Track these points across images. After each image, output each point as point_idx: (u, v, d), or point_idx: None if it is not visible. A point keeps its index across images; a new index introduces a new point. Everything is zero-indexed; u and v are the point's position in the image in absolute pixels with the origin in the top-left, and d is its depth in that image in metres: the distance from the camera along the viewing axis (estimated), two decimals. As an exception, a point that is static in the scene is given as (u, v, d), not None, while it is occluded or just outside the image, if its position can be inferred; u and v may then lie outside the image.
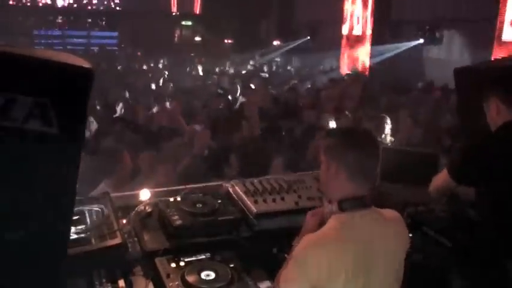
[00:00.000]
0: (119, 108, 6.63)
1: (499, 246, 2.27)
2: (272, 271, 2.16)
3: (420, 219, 2.65)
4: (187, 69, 13.20)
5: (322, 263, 1.67)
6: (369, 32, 12.36)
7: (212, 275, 1.97)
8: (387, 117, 5.75)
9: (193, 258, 2.10)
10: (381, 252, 1.76)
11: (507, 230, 2.27)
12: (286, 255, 2.22)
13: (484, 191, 2.40)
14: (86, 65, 1.29)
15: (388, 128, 5.63)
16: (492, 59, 4.19)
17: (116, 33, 20.16)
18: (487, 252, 2.33)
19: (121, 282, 1.90)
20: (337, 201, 1.79)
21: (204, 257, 2.14)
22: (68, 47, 18.87)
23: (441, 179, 2.54)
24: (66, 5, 19.46)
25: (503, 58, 3.03)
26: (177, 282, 1.90)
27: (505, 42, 7.84)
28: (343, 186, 1.78)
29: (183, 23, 20.74)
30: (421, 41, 10.61)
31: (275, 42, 15.83)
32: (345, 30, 13.27)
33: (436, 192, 2.65)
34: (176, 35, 21.32)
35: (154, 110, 6.60)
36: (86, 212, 2.22)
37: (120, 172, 3.81)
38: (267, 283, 2.09)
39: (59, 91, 1.24)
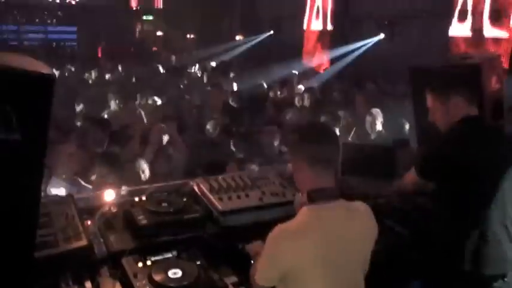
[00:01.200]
0: (79, 108, 6.52)
1: (451, 235, 2.40)
2: (238, 266, 2.23)
3: (379, 211, 2.75)
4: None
5: (290, 253, 1.79)
6: (329, 27, 12.54)
7: (179, 273, 2.00)
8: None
9: (160, 257, 2.13)
10: (347, 242, 1.87)
11: (460, 221, 2.40)
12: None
13: (441, 185, 2.52)
14: (47, 70, 1.30)
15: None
16: (447, 58, 4.36)
17: (74, 28, 19.66)
18: (440, 240, 2.46)
19: (88, 284, 1.91)
20: (306, 192, 1.91)
21: (170, 255, 2.17)
22: (25, 42, 18.31)
23: (410, 175, 2.66)
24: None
25: (456, 57, 3.14)
26: (144, 282, 1.93)
27: (454, 38, 8.17)
28: (309, 178, 1.91)
29: (144, 17, 20.46)
30: (382, 36, 10.79)
31: (238, 37, 15.83)
32: (306, 25, 13.41)
33: (410, 187, 2.74)
34: (137, 30, 20.99)
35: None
36: (50, 215, 2.21)
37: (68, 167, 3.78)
38: (233, 278, 2.15)
39: (20, 97, 1.24)
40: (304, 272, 1.79)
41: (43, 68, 1.35)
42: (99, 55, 16.76)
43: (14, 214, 1.32)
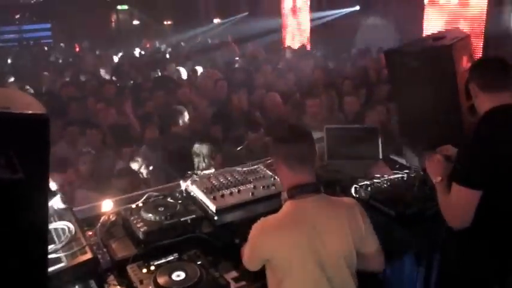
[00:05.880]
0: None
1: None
2: (237, 261, 2.36)
3: (367, 193, 2.89)
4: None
5: (269, 244, 1.98)
6: (307, 1, 12.53)
7: (182, 275, 2.11)
8: None
9: (163, 261, 2.23)
10: (327, 235, 1.99)
11: None
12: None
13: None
14: (41, 110, 1.38)
15: None
16: (422, 37, 4.41)
17: (48, 25, 19.35)
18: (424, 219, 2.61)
19: (97, 295, 2.02)
20: (286, 189, 2.06)
21: (172, 257, 2.27)
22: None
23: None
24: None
25: (432, 35, 3.19)
26: (150, 287, 2.05)
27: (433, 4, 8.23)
28: (288, 176, 2.06)
29: (119, 7, 20.13)
30: (357, 8, 10.82)
31: (215, 21, 15.75)
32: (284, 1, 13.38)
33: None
34: (113, 21, 20.69)
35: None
36: (52, 231, 2.29)
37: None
38: (234, 273, 2.28)
39: (19, 140, 1.33)
40: (284, 262, 1.97)
41: (36, 106, 1.44)
42: (77, 50, 16.55)
43: (26, 243, 1.42)
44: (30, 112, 1.35)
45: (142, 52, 13.04)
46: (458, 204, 2.25)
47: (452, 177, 2.27)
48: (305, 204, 2.01)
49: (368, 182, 3.00)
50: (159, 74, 9.31)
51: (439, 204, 2.37)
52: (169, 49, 13.33)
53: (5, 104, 1.36)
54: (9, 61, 12.68)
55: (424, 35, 6.91)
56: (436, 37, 3.00)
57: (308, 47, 12.05)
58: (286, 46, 12.46)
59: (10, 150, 1.32)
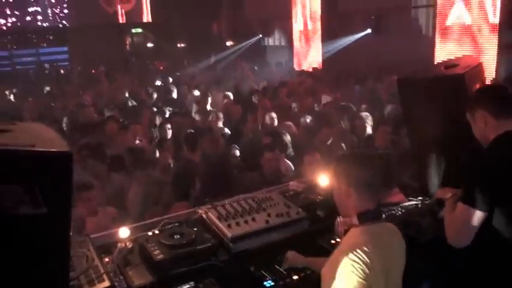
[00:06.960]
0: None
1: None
2: (251, 288, 2.37)
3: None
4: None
5: (365, 263, 1.89)
6: (318, 25, 12.67)
7: (198, 304, 2.14)
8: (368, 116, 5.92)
9: (179, 289, 2.26)
10: (393, 259, 2.05)
11: None
12: (263, 271, 2.45)
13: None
14: (64, 147, 1.44)
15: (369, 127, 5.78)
16: (434, 64, 4.41)
17: (65, 48, 19.80)
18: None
19: (114, 323, 2.04)
20: (355, 215, 2.06)
21: (188, 286, 2.30)
22: (17, 67, 18.53)
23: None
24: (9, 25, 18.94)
25: (444, 63, 3.20)
26: (166, 316, 2.07)
27: (445, 28, 8.27)
28: (356, 202, 2.07)
29: (133, 30, 20.56)
30: (369, 31, 10.97)
31: (228, 43, 15.98)
32: (295, 25, 13.55)
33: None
34: (128, 43, 21.10)
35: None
36: (72, 259, 2.32)
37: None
38: (249, 302, 2.29)
39: (44, 176, 1.38)
40: (370, 280, 1.90)
41: (59, 142, 1.49)
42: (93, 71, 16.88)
43: (49, 273, 1.46)
44: (54, 150, 1.40)
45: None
46: (461, 221, 2.30)
47: (460, 197, 2.33)
48: (377, 230, 2.04)
49: (382, 209, 2.99)
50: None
51: (445, 222, 2.41)
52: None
53: (29, 141, 1.41)
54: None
55: (435, 61, 6.92)
56: (448, 65, 3.02)
57: (320, 67, 12.14)
58: (299, 69, 12.57)
59: (35, 185, 1.37)
